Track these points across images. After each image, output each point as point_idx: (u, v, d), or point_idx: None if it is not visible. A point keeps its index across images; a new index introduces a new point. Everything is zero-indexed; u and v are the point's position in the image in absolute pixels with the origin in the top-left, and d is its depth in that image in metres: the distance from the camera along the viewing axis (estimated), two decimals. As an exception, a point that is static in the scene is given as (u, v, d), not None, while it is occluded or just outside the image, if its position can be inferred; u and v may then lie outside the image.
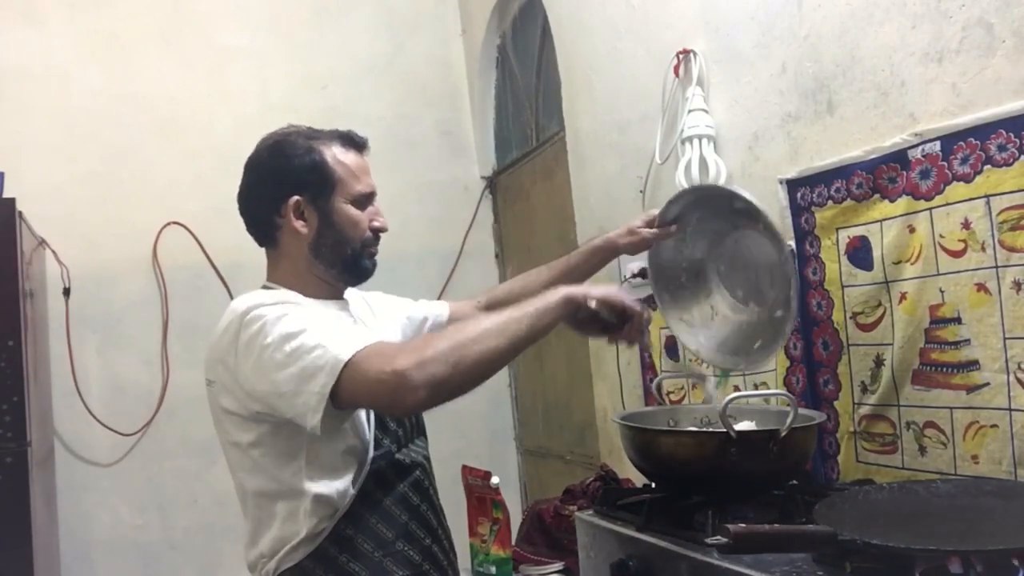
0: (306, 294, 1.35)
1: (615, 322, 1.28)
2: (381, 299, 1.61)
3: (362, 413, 1.29)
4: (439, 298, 3.37)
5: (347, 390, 1.13)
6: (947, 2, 1.33)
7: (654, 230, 1.61)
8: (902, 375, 1.44)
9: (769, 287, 1.52)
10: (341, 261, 1.37)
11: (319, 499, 1.25)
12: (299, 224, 1.34)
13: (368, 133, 1.45)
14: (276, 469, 1.26)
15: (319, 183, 1.34)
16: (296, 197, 1.33)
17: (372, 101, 3.35)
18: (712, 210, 1.57)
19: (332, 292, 1.41)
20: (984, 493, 1.15)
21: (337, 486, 1.26)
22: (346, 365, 1.12)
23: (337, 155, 1.36)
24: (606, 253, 1.70)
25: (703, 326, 1.63)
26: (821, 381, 1.62)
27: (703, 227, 1.61)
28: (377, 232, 1.40)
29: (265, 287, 1.38)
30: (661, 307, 1.66)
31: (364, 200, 1.38)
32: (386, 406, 1.22)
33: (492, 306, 1.70)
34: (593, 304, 1.24)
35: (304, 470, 1.24)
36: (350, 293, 1.51)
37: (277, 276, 1.39)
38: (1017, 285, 1.25)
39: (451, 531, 1.43)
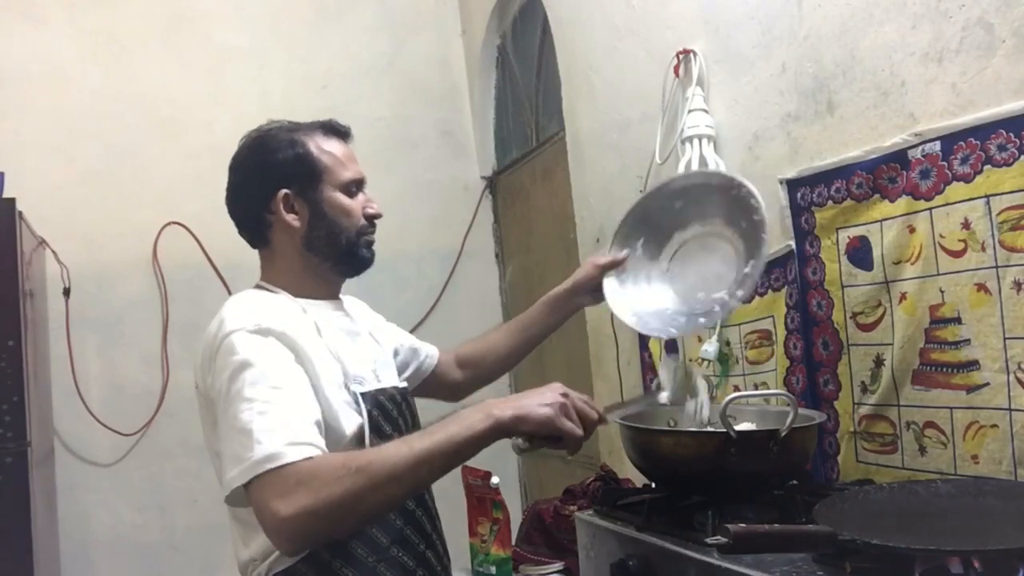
0: (301, 294, 1.33)
1: (549, 442, 1.18)
2: (382, 322, 1.58)
3: (357, 418, 1.25)
4: (439, 299, 3.41)
5: (248, 496, 1.09)
6: (947, 2, 1.33)
7: (608, 256, 1.57)
8: (902, 375, 1.44)
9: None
10: (336, 252, 1.35)
11: None
12: (291, 218, 1.32)
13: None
14: None
15: (305, 174, 1.32)
16: (284, 191, 1.31)
17: (372, 101, 3.35)
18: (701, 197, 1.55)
19: (328, 291, 1.39)
20: (984, 493, 1.15)
21: None
22: (256, 476, 1.07)
23: (320, 144, 1.34)
24: (562, 302, 1.62)
25: (632, 282, 1.59)
26: (821, 381, 1.62)
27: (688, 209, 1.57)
28: (371, 219, 1.37)
29: (259, 286, 1.35)
30: (615, 241, 1.61)
31: (354, 187, 1.36)
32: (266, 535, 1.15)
33: (461, 364, 1.66)
34: (516, 443, 1.16)
35: None
36: (356, 306, 1.49)
37: (271, 275, 1.36)
38: (1017, 285, 1.25)
39: (446, 536, 1.40)
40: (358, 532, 1.23)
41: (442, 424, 1.12)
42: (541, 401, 1.15)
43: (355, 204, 1.35)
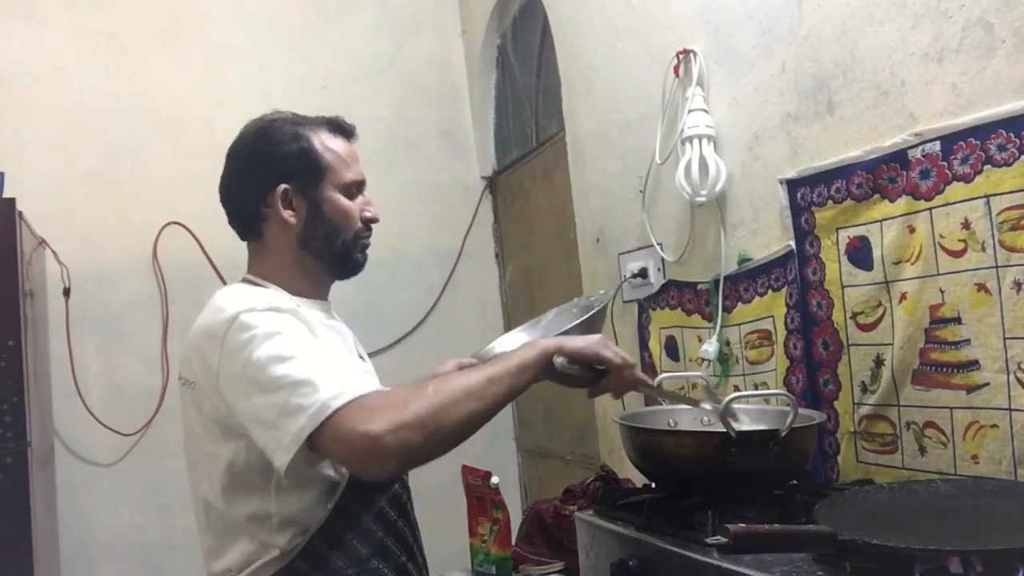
0: (293, 291, 1.30)
1: (591, 375, 1.24)
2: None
3: None
4: (438, 299, 3.41)
5: (323, 439, 1.07)
6: (947, 2, 1.33)
7: (472, 359, 1.52)
8: (902, 375, 1.44)
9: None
10: (331, 253, 1.31)
11: (292, 516, 1.18)
12: (287, 214, 1.28)
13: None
14: (249, 484, 1.19)
15: (308, 170, 1.28)
16: (284, 185, 1.28)
17: (372, 101, 3.35)
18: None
19: (318, 290, 1.36)
20: (984, 493, 1.15)
21: (312, 502, 1.19)
22: (331, 414, 1.05)
23: (325, 141, 1.31)
24: None
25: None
26: (821, 381, 1.62)
27: None
28: (369, 223, 1.34)
29: (247, 280, 1.32)
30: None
31: (355, 189, 1.33)
32: (355, 470, 1.13)
33: None
34: (558, 362, 1.19)
35: (278, 486, 1.17)
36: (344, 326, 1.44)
37: (260, 270, 1.32)
38: (1017, 285, 1.25)
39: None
40: (337, 543, 1.20)
41: (492, 361, 1.18)
42: (583, 339, 1.24)
43: (354, 207, 1.32)
